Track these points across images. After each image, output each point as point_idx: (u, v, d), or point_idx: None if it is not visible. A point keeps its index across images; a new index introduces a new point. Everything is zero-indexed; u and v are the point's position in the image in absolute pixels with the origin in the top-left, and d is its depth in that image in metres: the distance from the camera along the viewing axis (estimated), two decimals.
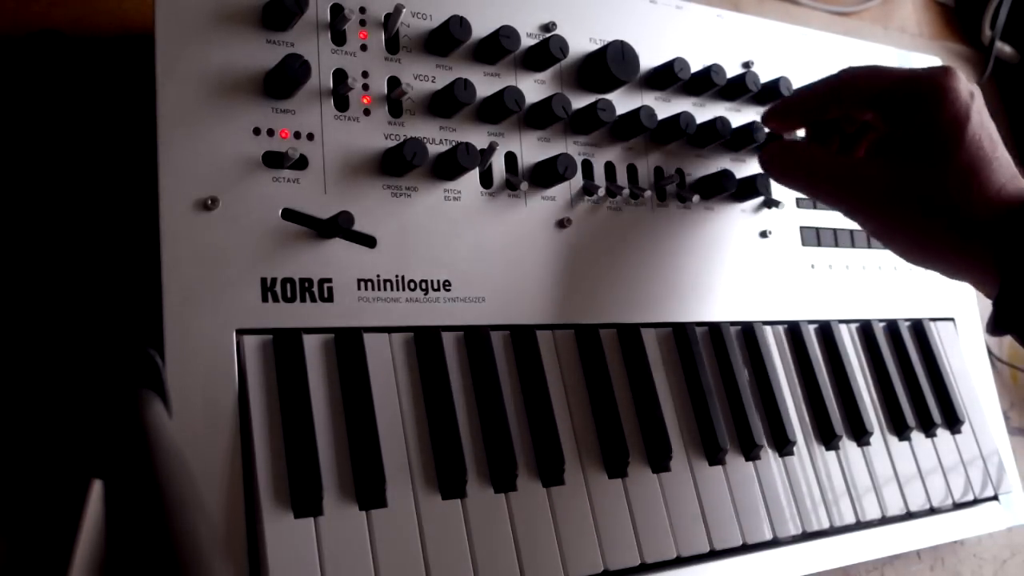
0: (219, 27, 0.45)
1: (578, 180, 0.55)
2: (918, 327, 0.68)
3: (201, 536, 0.26)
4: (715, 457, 0.54)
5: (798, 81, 0.62)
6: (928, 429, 0.64)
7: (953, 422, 0.66)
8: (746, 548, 0.53)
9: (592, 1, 0.58)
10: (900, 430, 0.63)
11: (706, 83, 0.60)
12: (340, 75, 0.48)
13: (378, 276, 0.47)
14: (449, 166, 0.49)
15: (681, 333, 0.56)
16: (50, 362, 0.45)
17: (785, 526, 0.55)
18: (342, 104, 0.48)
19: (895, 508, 0.60)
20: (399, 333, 0.47)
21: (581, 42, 0.56)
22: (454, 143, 0.50)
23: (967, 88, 0.50)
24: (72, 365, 0.45)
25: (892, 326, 0.67)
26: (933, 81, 0.49)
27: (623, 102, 0.57)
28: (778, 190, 0.61)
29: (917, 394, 0.65)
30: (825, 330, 0.63)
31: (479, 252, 0.50)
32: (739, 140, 0.60)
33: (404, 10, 0.50)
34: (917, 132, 0.49)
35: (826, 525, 0.56)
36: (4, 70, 0.48)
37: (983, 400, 0.69)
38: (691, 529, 0.51)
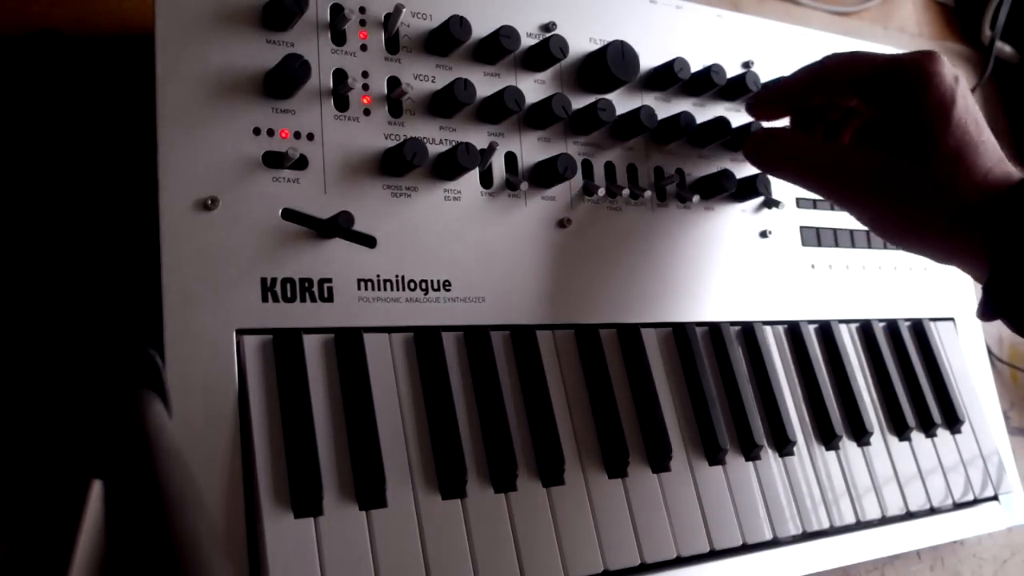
0: (219, 27, 0.45)
1: (578, 180, 0.55)
2: (918, 327, 0.68)
3: (201, 536, 0.26)
4: (715, 457, 0.54)
5: None
6: (928, 429, 0.64)
7: (953, 422, 0.66)
8: (746, 548, 0.53)
9: (592, 1, 0.58)
10: (900, 430, 0.63)
11: (706, 83, 0.60)
12: (340, 75, 0.48)
13: (378, 276, 0.47)
14: (449, 166, 0.49)
15: (681, 333, 0.56)
16: (50, 362, 0.45)
17: (785, 526, 0.55)
18: (342, 104, 0.48)
19: (895, 508, 0.60)
20: (399, 333, 0.47)
21: (581, 42, 0.56)
22: (454, 143, 0.50)
23: (951, 72, 0.49)
24: (72, 365, 0.45)
25: (892, 326, 0.67)
26: (917, 65, 0.49)
27: (623, 102, 0.57)
28: (778, 190, 0.61)
29: (917, 394, 0.65)
30: (825, 330, 0.63)
31: (479, 252, 0.50)
32: (739, 140, 0.60)
33: (404, 10, 0.50)
34: (903, 117, 0.49)
35: (826, 525, 0.56)
36: (4, 70, 0.48)
37: (983, 400, 0.69)
38: (691, 529, 0.51)
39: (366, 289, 0.47)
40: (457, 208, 0.50)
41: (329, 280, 0.46)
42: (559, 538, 0.47)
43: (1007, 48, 0.96)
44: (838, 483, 0.58)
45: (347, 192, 0.47)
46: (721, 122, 0.58)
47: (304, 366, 0.44)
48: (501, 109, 0.51)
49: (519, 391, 0.49)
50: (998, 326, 0.83)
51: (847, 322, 0.65)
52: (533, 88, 0.54)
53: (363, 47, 0.49)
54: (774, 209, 0.62)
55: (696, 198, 0.59)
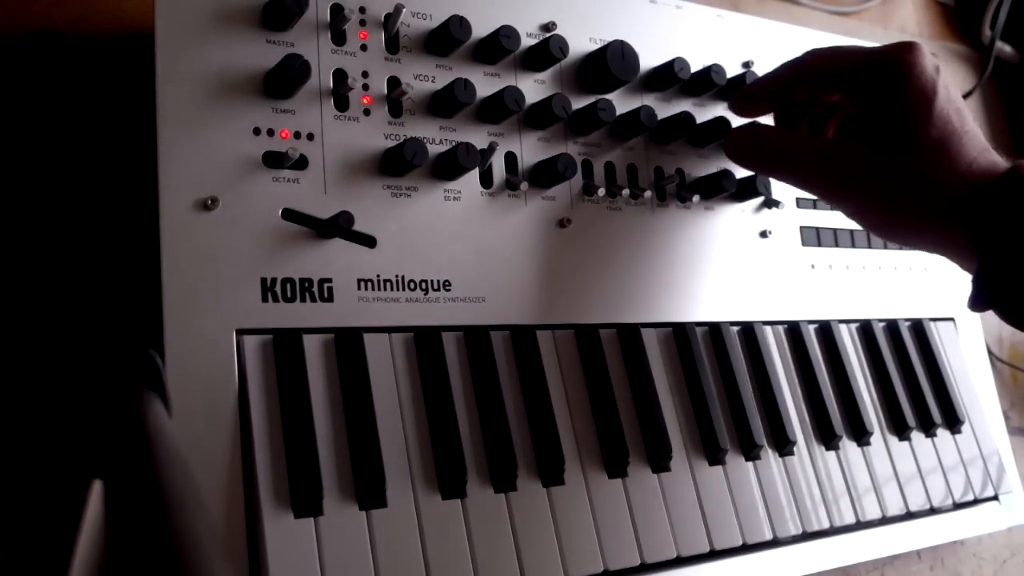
0: (219, 27, 0.45)
1: (578, 180, 0.55)
2: (918, 327, 0.68)
3: (201, 536, 0.26)
4: (715, 457, 0.54)
5: None
6: (928, 429, 0.64)
7: (953, 422, 0.66)
8: (746, 548, 0.53)
9: (592, 1, 0.58)
10: (900, 430, 0.63)
11: (706, 83, 0.60)
12: (340, 75, 0.48)
13: (378, 276, 0.47)
14: (449, 166, 0.49)
15: (681, 333, 0.56)
16: (51, 362, 0.45)
17: (785, 526, 0.55)
18: (342, 104, 0.48)
19: (895, 508, 0.60)
20: (399, 333, 0.47)
21: (581, 42, 0.56)
22: (454, 143, 0.50)
23: (932, 62, 0.49)
24: (72, 365, 0.45)
25: (892, 326, 0.67)
26: (897, 57, 0.49)
27: (623, 102, 0.57)
28: (778, 190, 0.61)
29: (917, 394, 0.65)
30: (825, 330, 0.63)
31: (479, 252, 0.50)
32: None
33: (404, 10, 0.50)
34: (885, 110, 0.49)
35: (826, 525, 0.56)
36: (4, 70, 0.48)
37: (983, 400, 0.69)
38: (691, 529, 0.51)
39: (366, 289, 0.47)
40: (457, 208, 0.50)
41: (329, 280, 0.46)
42: (559, 538, 0.47)
43: (1007, 48, 0.96)
44: (838, 483, 0.58)
45: (347, 192, 0.47)
46: (721, 122, 0.58)
47: (304, 366, 0.44)
48: (501, 109, 0.51)
49: (519, 391, 0.49)
50: (998, 326, 0.84)
51: (847, 322, 0.65)
52: (533, 88, 0.54)
53: (363, 47, 0.49)
54: (774, 209, 0.62)
55: (696, 198, 0.59)
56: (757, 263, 0.61)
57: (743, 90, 0.57)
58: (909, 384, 0.65)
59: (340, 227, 0.46)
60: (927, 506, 0.62)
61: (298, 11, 0.46)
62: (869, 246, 0.67)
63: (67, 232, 0.48)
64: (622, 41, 0.56)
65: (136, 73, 0.48)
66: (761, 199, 0.62)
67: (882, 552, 0.59)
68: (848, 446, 0.60)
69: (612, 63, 0.55)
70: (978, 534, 0.66)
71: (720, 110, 0.62)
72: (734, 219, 0.61)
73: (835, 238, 0.65)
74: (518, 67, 0.54)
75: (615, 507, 0.50)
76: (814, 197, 0.64)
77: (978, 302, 0.48)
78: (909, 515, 0.61)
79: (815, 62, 0.53)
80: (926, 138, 0.48)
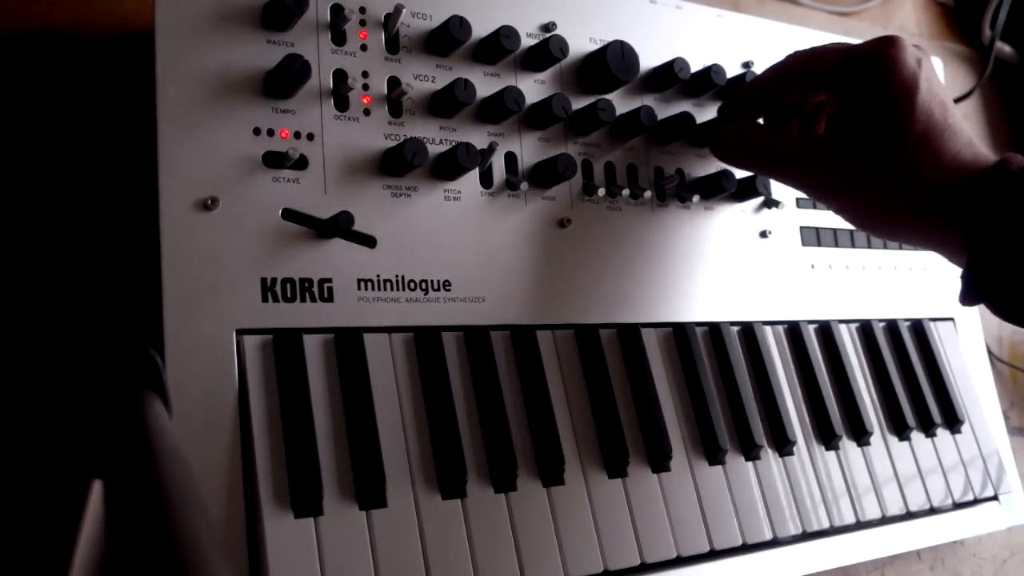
0: (219, 27, 0.45)
1: (578, 180, 0.55)
2: (918, 327, 0.68)
3: (201, 536, 0.26)
4: (715, 457, 0.54)
5: None
6: (928, 429, 0.64)
7: (953, 422, 0.66)
8: (746, 548, 0.53)
9: (592, 1, 0.58)
10: (900, 430, 0.63)
11: (706, 83, 0.60)
12: (340, 75, 0.48)
13: (378, 276, 0.47)
14: (449, 166, 0.49)
15: (681, 333, 0.56)
16: (51, 362, 0.45)
17: (785, 526, 0.55)
18: (342, 104, 0.48)
19: (895, 508, 0.60)
20: (399, 333, 0.47)
21: (581, 42, 0.56)
22: (454, 143, 0.50)
23: (914, 55, 0.49)
24: (72, 365, 0.45)
25: (892, 326, 0.67)
26: (879, 53, 0.49)
27: (623, 102, 0.57)
28: (778, 190, 0.61)
29: (917, 394, 0.65)
30: (825, 330, 0.63)
31: (479, 252, 0.50)
32: None
33: (404, 10, 0.50)
34: (868, 107, 0.49)
35: (826, 525, 0.56)
36: (4, 70, 0.48)
37: (983, 400, 0.69)
38: (691, 529, 0.51)
39: (366, 289, 0.47)
40: (457, 208, 0.50)
41: (329, 280, 0.46)
42: (559, 538, 0.47)
43: (1007, 48, 0.96)
44: (838, 483, 0.58)
45: (347, 192, 0.47)
46: None
47: (304, 366, 0.44)
48: (501, 109, 0.51)
49: (519, 391, 0.49)
50: (998, 326, 0.84)
51: (847, 322, 0.65)
52: (533, 88, 0.54)
53: (363, 47, 0.49)
54: (774, 209, 0.62)
55: (696, 198, 0.59)
56: (757, 263, 0.61)
57: (729, 100, 0.57)
58: (909, 384, 0.65)
59: (340, 227, 0.46)
60: (927, 506, 0.62)
61: (298, 11, 0.46)
62: (869, 246, 0.67)
63: (67, 232, 0.48)
64: (622, 41, 0.56)
65: (136, 73, 0.48)
66: (761, 199, 0.62)
67: (882, 552, 0.59)
68: (848, 446, 0.60)
69: (612, 63, 0.55)
70: (978, 534, 0.66)
71: None
72: (734, 219, 0.61)
73: (835, 238, 0.65)
74: (518, 67, 0.54)
75: (615, 507, 0.50)
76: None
77: (969, 296, 0.48)
78: (909, 515, 0.61)
79: (797, 65, 0.53)
80: (909, 133, 0.48)
